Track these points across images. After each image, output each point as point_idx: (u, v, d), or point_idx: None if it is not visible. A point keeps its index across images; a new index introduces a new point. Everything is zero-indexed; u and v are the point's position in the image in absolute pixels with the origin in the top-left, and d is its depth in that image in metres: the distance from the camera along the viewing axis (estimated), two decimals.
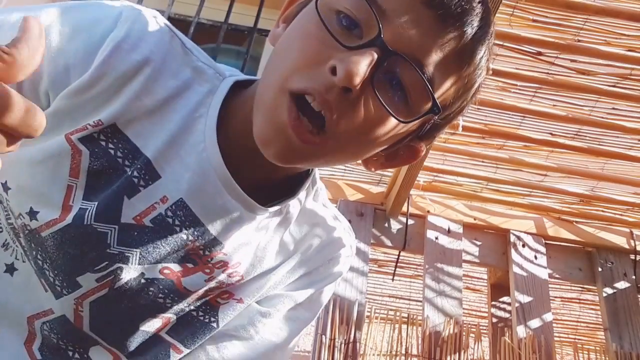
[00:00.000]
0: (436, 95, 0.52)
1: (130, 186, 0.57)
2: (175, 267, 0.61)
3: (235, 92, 0.61)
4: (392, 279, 2.37)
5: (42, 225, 0.57)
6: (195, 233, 0.60)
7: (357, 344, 1.88)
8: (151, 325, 0.64)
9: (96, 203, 0.57)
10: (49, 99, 0.56)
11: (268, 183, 0.63)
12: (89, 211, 0.57)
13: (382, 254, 2.72)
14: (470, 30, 0.52)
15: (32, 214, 0.57)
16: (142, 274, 0.60)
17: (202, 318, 0.66)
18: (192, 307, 0.65)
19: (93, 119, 0.56)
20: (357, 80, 0.47)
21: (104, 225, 0.57)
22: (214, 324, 0.67)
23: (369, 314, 2.18)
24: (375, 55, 0.49)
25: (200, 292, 0.64)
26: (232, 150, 0.59)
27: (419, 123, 0.55)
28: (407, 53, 0.50)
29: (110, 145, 0.57)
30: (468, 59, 0.54)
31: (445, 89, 0.54)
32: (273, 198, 0.63)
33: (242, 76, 0.63)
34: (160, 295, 0.62)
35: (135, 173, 0.57)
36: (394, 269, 2.29)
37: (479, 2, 0.53)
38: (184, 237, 0.59)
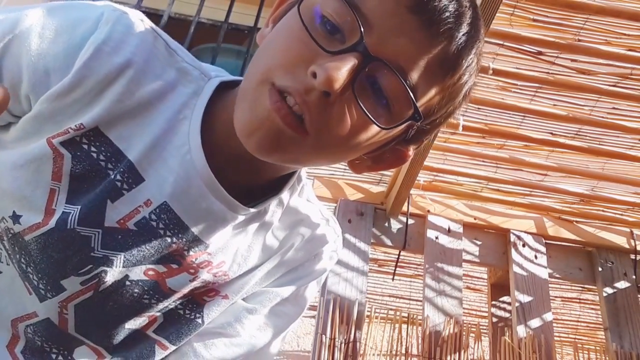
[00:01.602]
0: (420, 102, 0.52)
1: (113, 190, 0.57)
2: (160, 269, 0.61)
3: (221, 93, 0.60)
4: (392, 279, 2.37)
5: (25, 229, 0.57)
6: (180, 235, 0.59)
7: (357, 344, 1.88)
8: (137, 324, 0.64)
9: (79, 207, 0.56)
10: (30, 102, 0.56)
11: (253, 183, 0.63)
12: (72, 215, 0.56)
13: (382, 253, 2.71)
14: (456, 37, 0.51)
15: (15, 217, 0.57)
16: (127, 276, 0.60)
17: (188, 315, 0.66)
18: (178, 305, 0.65)
19: (75, 123, 0.55)
20: (336, 85, 0.48)
21: (88, 229, 0.57)
22: (199, 320, 0.67)
23: (369, 313, 2.18)
24: (356, 61, 0.48)
25: (185, 291, 0.64)
26: (217, 152, 0.58)
27: (403, 128, 0.54)
28: (389, 59, 0.49)
29: (93, 149, 0.56)
30: (454, 66, 0.53)
31: (429, 96, 0.53)
32: (258, 197, 0.63)
33: (228, 77, 0.63)
34: (145, 296, 0.62)
35: (118, 177, 0.57)
36: (394, 268, 2.29)
37: (466, 7, 0.52)
38: (168, 239, 0.59)
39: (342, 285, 1.99)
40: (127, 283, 0.60)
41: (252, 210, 0.62)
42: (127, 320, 0.63)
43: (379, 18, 0.50)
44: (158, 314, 0.65)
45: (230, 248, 0.64)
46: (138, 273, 0.60)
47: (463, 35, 0.52)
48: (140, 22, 0.58)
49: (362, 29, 0.49)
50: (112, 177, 0.57)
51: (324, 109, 0.50)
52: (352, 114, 0.51)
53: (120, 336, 0.64)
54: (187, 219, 0.59)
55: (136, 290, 0.61)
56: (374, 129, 0.52)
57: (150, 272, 0.61)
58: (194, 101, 0.59)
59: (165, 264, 0.61)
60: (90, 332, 0.63)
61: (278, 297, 0.71)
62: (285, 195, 0.67)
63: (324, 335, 1.86)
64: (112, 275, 0.59)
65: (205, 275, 0.63)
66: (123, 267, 0.59)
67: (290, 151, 0.53)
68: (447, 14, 0.50)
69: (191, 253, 0.61)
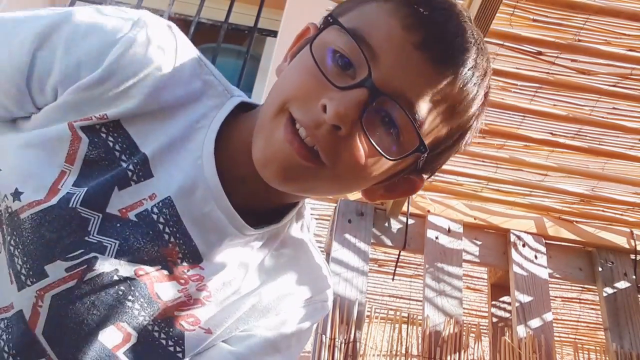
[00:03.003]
0: (427, 133, 0.55)
1: (123, 177, 0.58)
2: (151, 271, 0.60)
3: (239, 114, 0.63)
4: (393, 279, 2.37)
5: (24, 206, 0.56)
6: (177, 235, 0.60)
7: (357, 344, 1.88)
8: (110, 338, 0.59)
9: (85, 189, 0.57)
10: (56, 93, 0.57)
11: (258, 208, 0.64)
12: (77, 195, 0.56)
13: (383, 253, 2.72)
14: (462, 72, 0.54)
15: (16, 194, 0.57)
16: (116, 269, 0.58)
17: (164, 342, 0.62)
18: (155, 327, 0.61)
19: (99, 113, 0.57)
20: (344, 119, 0.50)
21: (89, 211, 0.57)
22: (180, 355, 0.63)
23: (369, 313, 2.18)
24: (364, 97, 0.51)
25: (169, 304, 0.61)
26: (227, 169, 0.60)
27: (412, 159, 0.57)
28: (396, 93, 0.52)
29: (110, 138, 0.58)
30: (460, 99, 0.55)
31: (437, 128, 0.56)
32: (260, 222, 0.64)
33: (249, 99, 0.65)
34: (129, 297, 0.59)
35: (130, 166, 0.58)
36: (394, 268, 2.29)
37: (472, 43, 0.55)
38: (166, 237, 0.59)
39: (342, 285, 1.99)
40: (115, 278, 0.59)
41: (254, 231, 0.62)
42: (102, 328, 0.59)
43: (386, 53, 0.52)
44: (133, 332, 0.60)
45: (222, 265, 0.63)
46: (129, 270, 0.59)
47: (469, 70, 0.54)
48: (175, 32, 0.61)
49: (369, 65, 0.51)
50: (125, 166, 0.58)
51: (335, 141, 0.52)
52: (362, 145, 0.53)
53: (88, 351, 0.59)
54: (186, 220, 0.60)
55: (122, 288, 0.59)
56: (384, 159, 0.54)
57: (141, 272, 0.59)
58: (214, 113, 0.61)
59: (157, 268, 0.60)
60: (58, 339, 0.58)
61: (268, 344, 0.68)
62: (287, 225, 0.68)
63: (324, 335, 1.86)
64: (102, 264, 0.57)
65: (193, 290, 0.62)
66: (115, 257, 0.58)
67: (305, 181, 0.56)
68: (453, 51, 0.53)
69: (184, 263, 0.61)
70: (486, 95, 0.60)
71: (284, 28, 2.98)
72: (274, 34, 3.07)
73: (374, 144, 0.52)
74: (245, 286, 0.67)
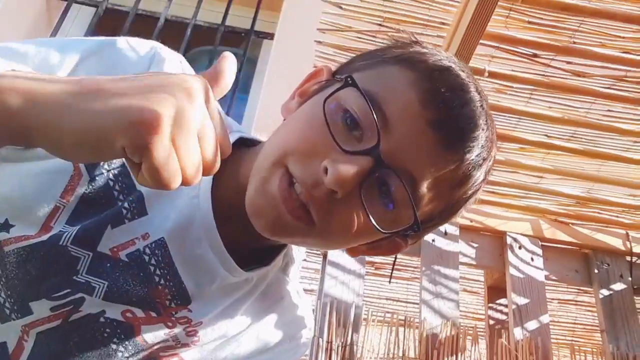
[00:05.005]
0: (422, 210, 0.54)
1: (117, 215, 0.56)
2: (138, 313, 0.58)
3: (238, 149, 0.60)
4: (389, 282, 2.37)
5: (11, 239, 0.54)
6: (168, 278, 0.58)
7: (354, 347, 1.88)
8: None
9: (78, 227, 0.55)
10: None
11: (249, 246, 0.63)
12: (69, 233, 0.55)
13: (379, 256, 2.71)
14: (469, 158, 0.53)
15: (6, 226, 0.54)
16: (103, 311, 0.57)
17: None
18: None
19: None
20: (345, 187, 0.49)
21: (80, 250, 0.55)
22: None
23: (366, 316, 2.17)
24: (368, 166, 0.50)
25: (155, 347, 0.61)
26: (222, 206, 0.59)
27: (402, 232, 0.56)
28: (401, 167, 0.51)
29: (111, 177, 0.56)
30: (462, 183, 0.55)
31: (433, 205, 0.55)
32: (249, 262, 0.62)
33: (248, 134, 0.64)
34: (114, 339, 0.58)
35: (126, 205, 0.56)
36: (390, 271, 2.29)
37: (483, 130, 0.55)
38: (156, 279, 0.58)
39: (339, 288, 1.98)
40: (102, 320, 0.57)
41: (244, 274, 0.61)
42: None
43: (398, 125, 0.51)
44: None
45: (211, 309, 0.62)
46: (115, 312, 0.57)
47: (476, 156, 0.54)
48: (186, 66, 0.60)
49: (379, 135, 0.50)
50: (120, 204, 0.56)
51: (329, 204, 0.51)
52: (357, 212, 0.52)
53: None
54: (178, 262, 0.58)
55: (108, 330, 0.57)
56: (374, 229, 0.52)
57: (128, 314, 0.58)
58: None
59: (145, 310, 0.58)
60: None
61: None
62: (275, 266, 0.67)
63: (320, 339, 1.85)
64: (89, 305, 0.56)
65: (181, 334, 0.61)
66: (103, 298, 0.56)
67: (293, 236, 0.55)
68: (465, 136, 0.53)
69: (173, 305, 0.59)
70: (485, 176, 0.60)
71: (281, 31, 2.98)
72: (270, 36, 3.07)
73: (369, 214, 0.51)
74: (232, 329, 0.66)
